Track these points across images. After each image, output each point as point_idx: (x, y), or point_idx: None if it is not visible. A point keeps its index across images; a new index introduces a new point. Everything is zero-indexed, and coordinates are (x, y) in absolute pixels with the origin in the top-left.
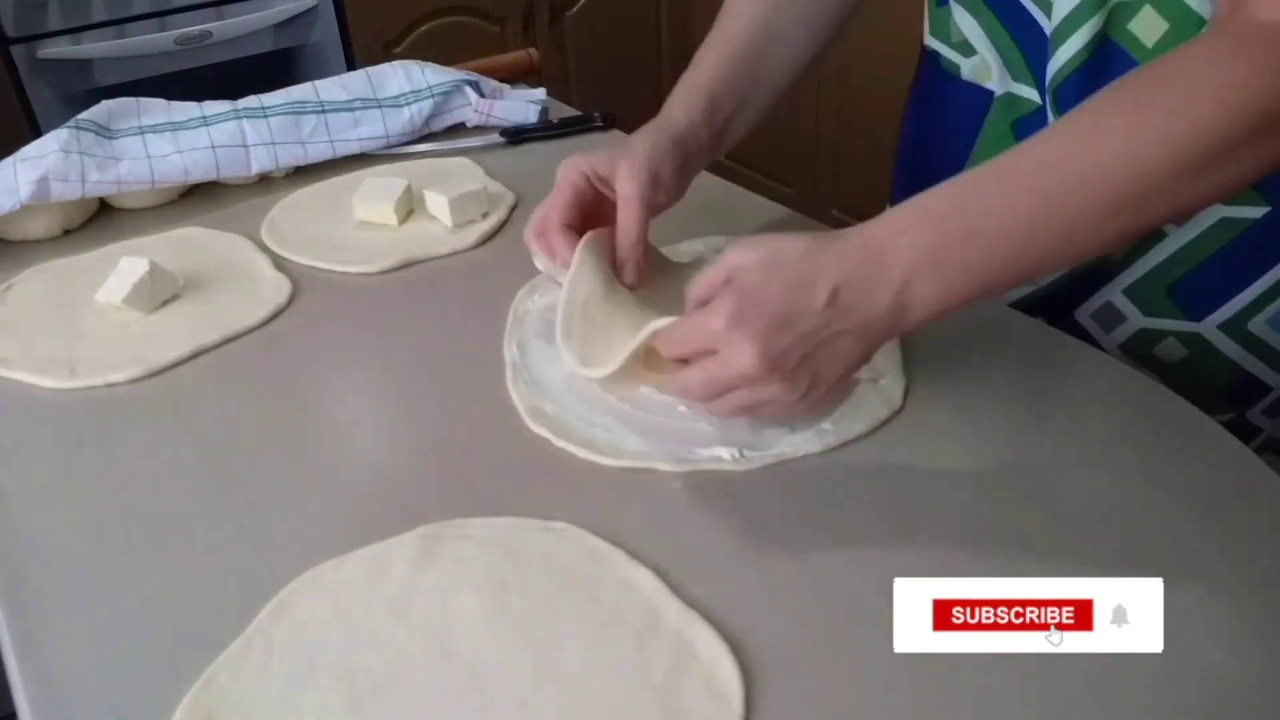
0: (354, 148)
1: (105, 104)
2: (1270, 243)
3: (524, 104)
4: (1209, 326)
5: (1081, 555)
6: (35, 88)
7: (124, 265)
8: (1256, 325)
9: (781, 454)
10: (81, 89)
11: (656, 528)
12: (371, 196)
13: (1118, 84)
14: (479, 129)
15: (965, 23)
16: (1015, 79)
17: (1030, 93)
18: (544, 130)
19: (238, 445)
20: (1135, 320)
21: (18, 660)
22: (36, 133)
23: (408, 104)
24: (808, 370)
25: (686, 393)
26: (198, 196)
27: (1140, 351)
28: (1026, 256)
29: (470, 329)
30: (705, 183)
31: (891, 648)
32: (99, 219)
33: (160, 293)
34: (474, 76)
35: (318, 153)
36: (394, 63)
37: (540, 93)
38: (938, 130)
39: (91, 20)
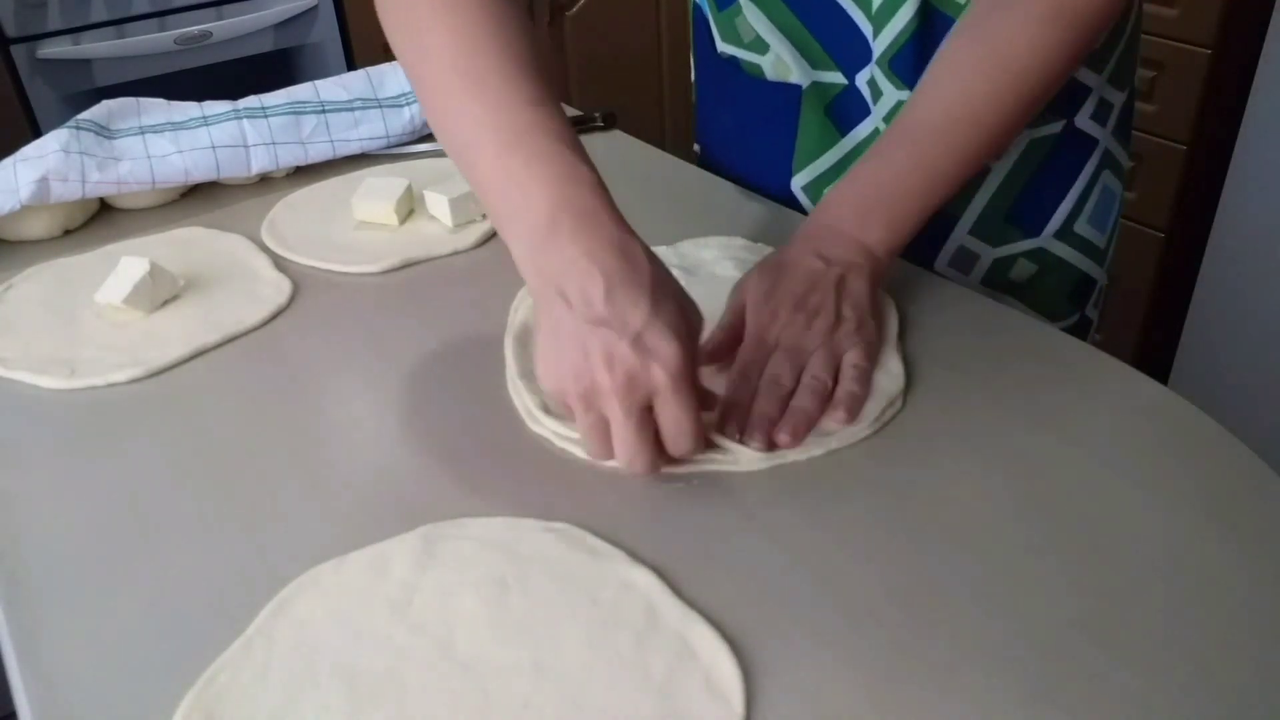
0: (354, 148)
1: (105, 104)
2: (1073, 150)
3: None
4: (1047, 238)
5: (1081, 555)
6: (35, 88)
7: (124, 265)
8: (1081, 226)
9: (782, 454)
10: (81, 89)
11: (656, 528)
12: (371, 196)
13: (965, 56)
14: None
15: (758, 22)
16: (816, 68)
17: (834, 76)
18: None
19: (238, 445)
20: (987, 254)
21: (18, 660)
22: (36, 133)
23: (408, 104)
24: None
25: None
26: (198, 196)
27: (998, 281)
28: (935, 193)
29: (470, 329)
30: (705, 183)
31: (891, 647)
32: (99, 219)
33: (160, 293)
34: None
35: (318, 153)
36: (394, 63)
37: None
38: (759, 132)
39: (91, 20)
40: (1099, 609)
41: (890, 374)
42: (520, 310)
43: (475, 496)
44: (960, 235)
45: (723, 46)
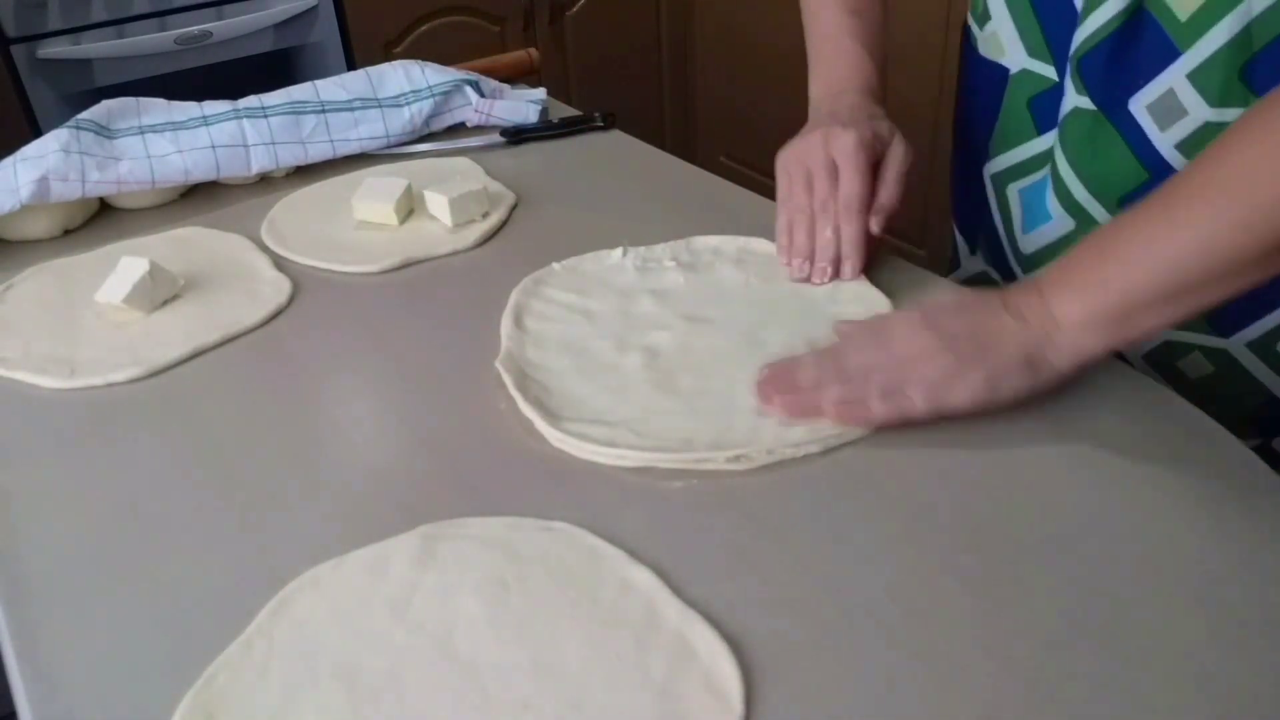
0: (354, 148)
1: (105, 104)
2: None
3: (524, 104)
4: (1236, 344)
5: (1082, 555)
6: (35, 88)
7: (124, 265)
8: None
9: (781, 454)
10: (81, 89)
11: (656, 528)
12: (371, 196)
13: (1256, 128)
14: (479, 129)
15: None
16: (1031, 54)
17: (1047, 69)
18: (544, 130)
19: (238, 445)
20: (1162, 332)
21: (18, 660)
22: (36, 133)
23: (408, 104)
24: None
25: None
26: (198, 196)
27: (1165, 363)
28: (1192, 296)
29: (470, 329)
30: (705, 183)
31: (891, 647)
32: (99, 219)
33: (160, 293)
34: (474, 76)
35: (318, 153)
36: (394, 63)
37: (540, 93)
38: (970, 108)
39: (91, 20)
40: (1099, 609)
41: None
42: (525, 303)
43: (475, 496)
44: None
45: (969, 15)
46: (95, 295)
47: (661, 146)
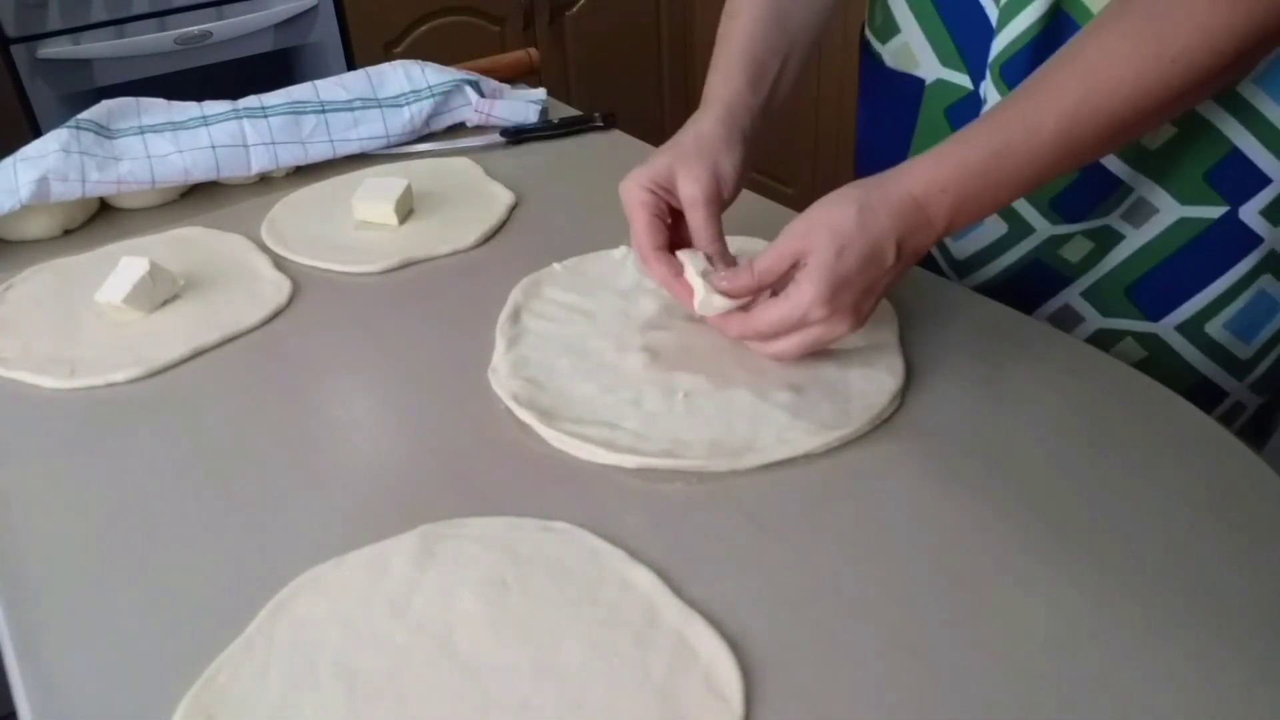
0: (354, 148)
1: (105, 104)
2: (1227, 243)
3: (524, 104)
4: (1166, 328)
5: (1082, 555)
6: (35, 88)
7: (124, 265)
8: (1214, 328)
9: (781, 454)
10: (81, 89)
11: (656, 528)
12: (371, 196)
13: (1111, 28)
14: (479, 129)
15: (896, 4)
16: (944, 64)
17: (961, 78)
18: (544, 130)
19: (238, 445)
20: (1093, 321)
21: (18, 660)
22: (36, 133)
23: (408, 104)
24: (870, 304)
25: (756, 333)
26: (198, 196)
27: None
28: (1041, 182)
29: (470, 329)
30: None
31: (891, 647)
32: (99, 219)
33: (160, 293)
34: (474, 76)
35: (318, 153)
36: (394, 63)
37: (540, 93)
38: (881, 123)
39: (91, 20)
40: (1098, 609)
41: (891, 373)
42: (523, 303)
43: (475, 496)
44: (1070, 294)
45: (866, 31)
46: (95, 295)
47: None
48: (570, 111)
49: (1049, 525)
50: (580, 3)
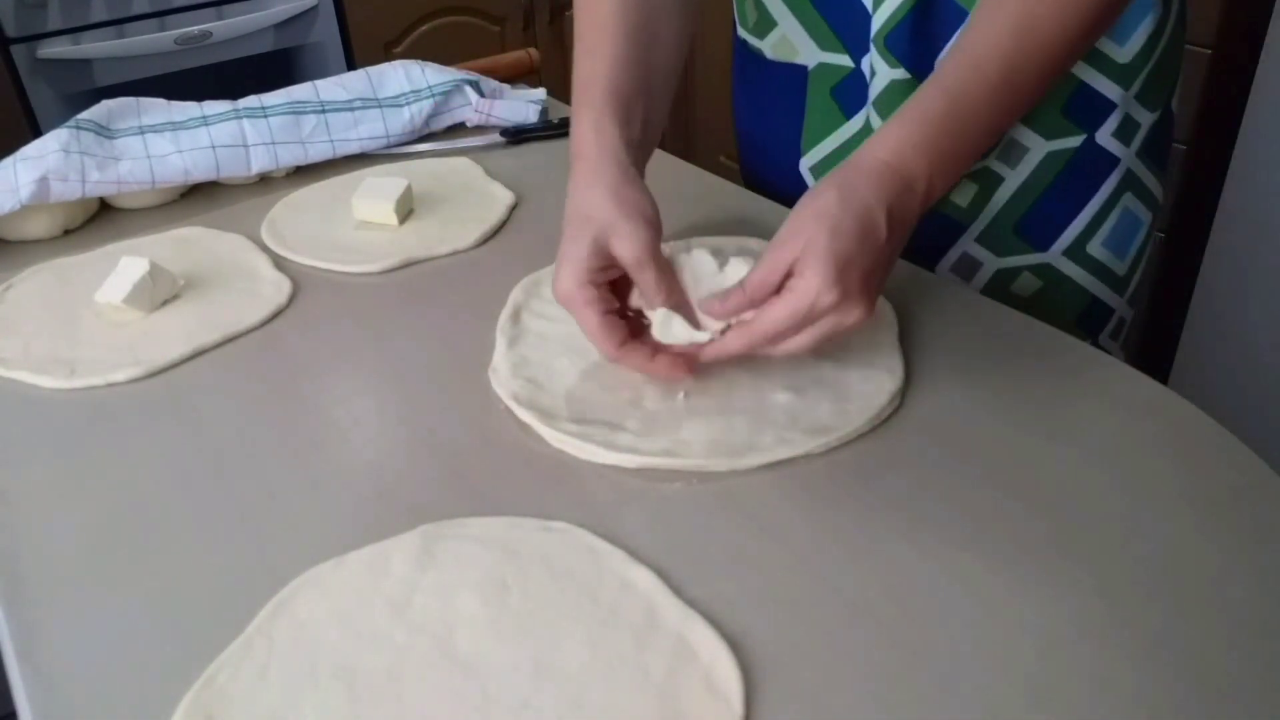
0: (354, 148)
1: (105, 104)
2: (1091, 167)
3: (524, 104)
4: (1055, 255)
5: (1081, 555)
6: (35, 88)
7: (124, 265)
8: (1094, 248)
9: (781, 454)
10: (81, 89)
11: (656, 528)
12: (371, 196)
13: None
14: (479, 129)
15: (773, 5)
16: (823, 48)
17: (841, 59)
18: (544, 130)
19: (238, 445)
20: (990, 263)
21: (18, 660)
22: (36, 133)
23: (408, 104)
24: (877, 284)
25: (775, 336)
26: (198, 196)
27: (1000, 291)
28: (998, 129)
29: (470, 329)
30: (705, 183)
31: (891, 647)
32: (99, 219)
33: (160, 293)
34: (474, 76)
35: (318, 153)
36: (394, 63)
37: (540, 93)
38: (768, 114)
39: (91, 20)
40: (1099, 609)
41: (890, 373)
42: (522, 302)
43: (475, 496)
44: (965, 242)
45: (739, 31)
46: (95, 295)
47: (661, 146)
48: (570, 111)
49: (1048, 525)
50: None
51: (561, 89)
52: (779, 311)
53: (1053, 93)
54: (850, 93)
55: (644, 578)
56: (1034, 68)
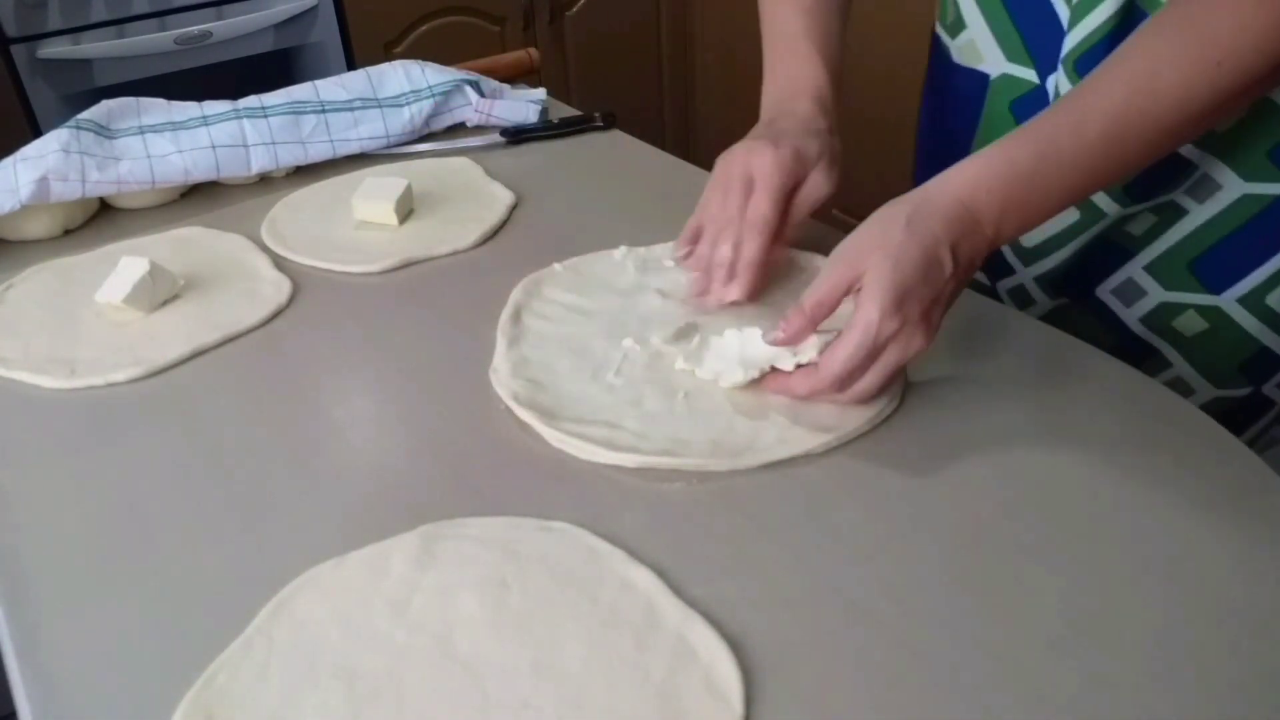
0: (354, 148)
1: (105, 104)
2: None
3: (524, 104)
4: (1228, 300)
5: (1081, 555)
6: (35, 88)
7: (124, 265)
8: (1274, 299)
9: (781, 454)
10: (81, 89)
11: (656, 528)
12: (371, 196)
13: (1161, 31)
14: (479, 129)
15: (966, 6)
16: (1010, 59)
17: (1027, 73)
18: (544, 130)
19: (238, 445)
20: (1155, 294)
21: (18, 660)
22: (36, 133)
23: (408, 104)
24: (939, 315)
25: (833, 379)
26: (198, 196)
27: (1160, 325)
28: (1084, 190)
29: (470, 329)
30: (705, 183)
31: (891, 647)
32: (99, 219)
33: (160, 293)
34: (474, 76)
35: (318, 153)
36: (394, 63)
37: (540, 93)
38: (945, 117)
39: (91, 20)
40: (1099, 609)
41: None
42: (523, 302)
43: (475, 496)
44: (1133, 269)
45: (937, 26)
46: (95, 295)
47: (661, 146)
48: (570, 111)
49: (1048, 524)
50: (580, 3)
51: (561, 89)
52: (842, 351)
53: (1262, 133)
54: (1030, 110)
55: (644, 578)
56: (1140, 135)
